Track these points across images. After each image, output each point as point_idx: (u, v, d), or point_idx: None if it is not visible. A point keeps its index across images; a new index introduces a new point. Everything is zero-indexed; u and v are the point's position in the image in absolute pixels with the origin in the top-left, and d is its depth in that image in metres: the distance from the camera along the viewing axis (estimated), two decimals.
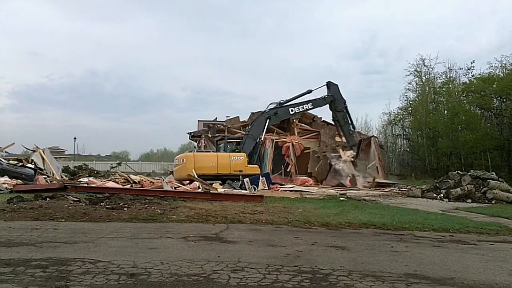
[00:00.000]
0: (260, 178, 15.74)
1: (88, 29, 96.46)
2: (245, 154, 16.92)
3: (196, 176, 13.93)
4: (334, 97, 20.24)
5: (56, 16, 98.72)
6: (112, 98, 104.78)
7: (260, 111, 24.23)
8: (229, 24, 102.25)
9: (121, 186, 13.55)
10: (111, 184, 13.60)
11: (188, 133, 26.49)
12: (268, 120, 18.74)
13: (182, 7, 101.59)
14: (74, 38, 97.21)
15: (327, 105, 20.63)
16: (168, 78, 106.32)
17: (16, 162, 15.46)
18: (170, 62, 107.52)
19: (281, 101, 19.45)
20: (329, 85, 20.41)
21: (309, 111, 21.79)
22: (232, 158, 16.10)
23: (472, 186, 13.49)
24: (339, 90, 20.56)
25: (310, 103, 19.88)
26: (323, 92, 20.78)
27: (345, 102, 20.79)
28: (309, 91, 19.97)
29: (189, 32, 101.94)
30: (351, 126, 21.00)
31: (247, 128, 19.88)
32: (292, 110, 19.35)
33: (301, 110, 19.80)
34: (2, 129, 79.06)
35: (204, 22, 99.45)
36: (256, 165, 17.11)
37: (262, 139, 18.62)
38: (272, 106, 19.36)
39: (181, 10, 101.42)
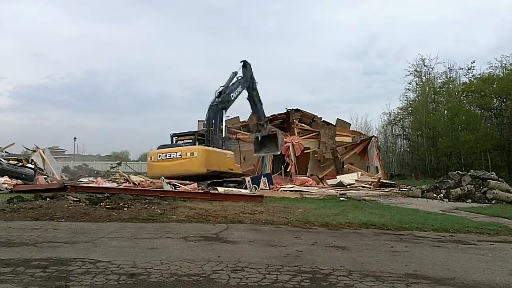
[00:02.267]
0: (262, 178, 15.71)
1: (89, 30, 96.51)
2: (232, 152, 16.48)
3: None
4: (252, 75, 19.66)
5: (58, 17, 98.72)
6: (113, 98, 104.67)
7: None
8: (229, 24, 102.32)
9: (122, 186, 13.55)
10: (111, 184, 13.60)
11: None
12: (223, 110, 17.75)
13: (183, 7, 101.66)
14: (75, 39, 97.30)
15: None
16: (168, 78, 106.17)
17: (16, 162, 15.49)
18: (170, 63, 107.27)
19: (218, 90, 18.89)
20: (246, 64, 19.67)
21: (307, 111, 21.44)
22: (227, 156, 15.81)
23: (472, 186, 13.49)
24: (251, 68, 20.06)
25: (240, 86, 19.06)
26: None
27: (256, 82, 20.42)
28: (235, 73, 19.35)
29: (190, 32, 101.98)
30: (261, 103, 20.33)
31: (205, 125, 19.28)
32: (232, 96, 18.49)
33: (237, 94, 18.90)
34: (3, 129, 79.05)
35: (205, 22, 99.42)
36: (238, 165, 16.78)
37: (221, 130, 17.49)
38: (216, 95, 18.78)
39: (181, 10, 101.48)
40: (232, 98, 18.43)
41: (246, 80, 19.32)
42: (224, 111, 17.48)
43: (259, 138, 19.31)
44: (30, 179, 13.96)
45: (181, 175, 14.29)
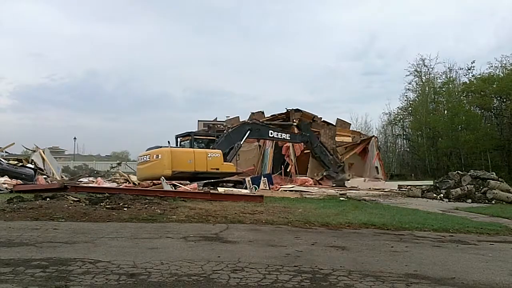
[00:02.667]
0: (262, 178, 15.68)
1: (89, 30, 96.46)
2: (220, 150, 16.18)
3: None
4: (309, 136, 19.96)
5: (58, 17, 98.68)
6: (113, 98, 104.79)
7: (260, 111, 24.34)
8: (229, 24, 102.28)
9: (122, 186, 13.54)
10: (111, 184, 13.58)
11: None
12: (249, 131, 17.81)
13: (183, 7, 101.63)
14: (75, 39, 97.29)
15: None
16: (168, 78, 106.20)
17: (16, 162, 15.49)
18: (170, 63, 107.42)
19: (262, 120, 19.37)
20: (300, 126, 20.16)
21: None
22: (209, 155, 15.40)
23: (472, 186, 13.50)
24: (309, 127, 20.46)
25: (288, 135, 19.49)
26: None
27: (318, 137, 20.81)
28: (291, 124, 20.21)
29: (190, 32, 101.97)
30: (328, 154, 20.66)
31: (225, 130, 19.32)
32: (271, 133, 18.76)
33: (279, 137, 19.23)
34: (3, 129, 79.01)
35: (205, 23, 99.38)
36: (231, 164, 16.52)
37: (239, 146, 17.56)
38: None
39: (181, 10, 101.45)
40: (269, 135, 18.67)
41: (302, 139, 19.76)
42: (249, 132, 17.58)
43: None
44: (30, 179, 13.97)
45: (152, 178, 13.81)
